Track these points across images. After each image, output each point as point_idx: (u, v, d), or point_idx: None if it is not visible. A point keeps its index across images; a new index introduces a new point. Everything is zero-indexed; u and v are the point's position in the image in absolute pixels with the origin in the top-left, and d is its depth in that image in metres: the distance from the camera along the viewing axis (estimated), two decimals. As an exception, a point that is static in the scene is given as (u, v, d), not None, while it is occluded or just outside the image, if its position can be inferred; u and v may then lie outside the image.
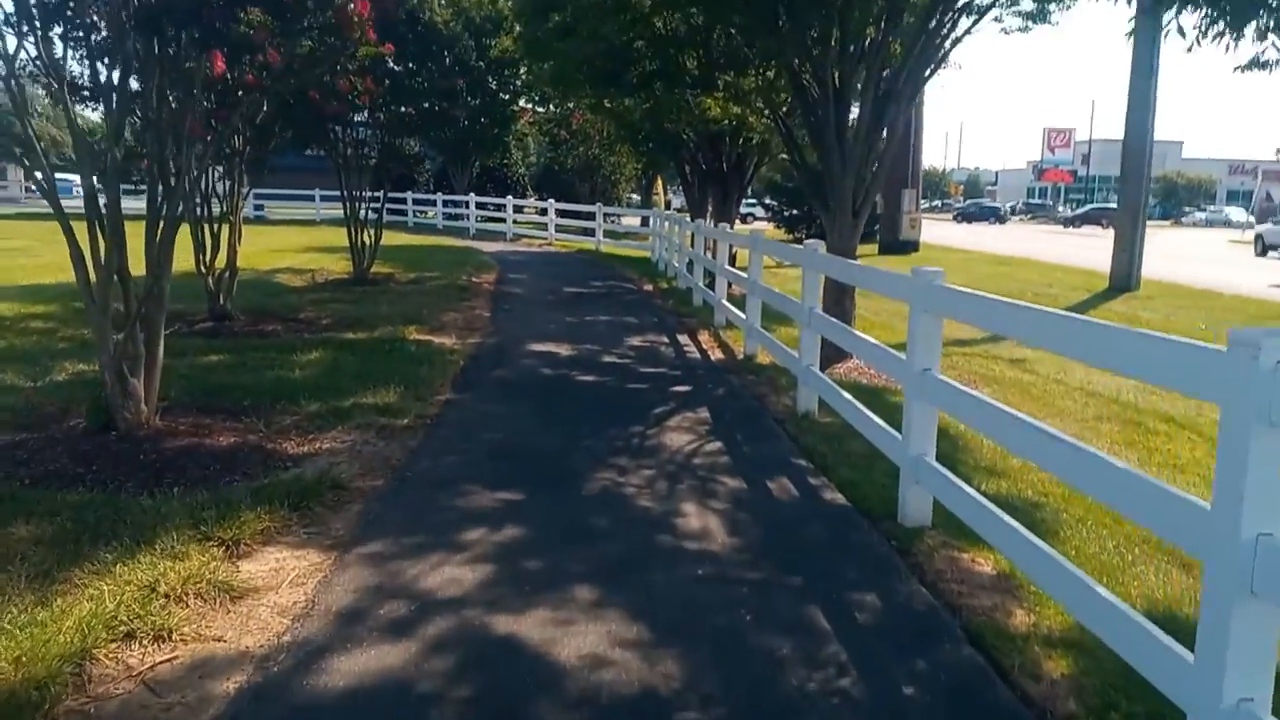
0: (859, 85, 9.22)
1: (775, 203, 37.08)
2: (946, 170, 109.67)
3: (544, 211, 29.99)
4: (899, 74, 9.00)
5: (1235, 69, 5.41)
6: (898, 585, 4.18)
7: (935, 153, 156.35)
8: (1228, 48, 5.49)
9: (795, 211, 35.88)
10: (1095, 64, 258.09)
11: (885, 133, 9.06)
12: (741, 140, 14.63)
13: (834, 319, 7.12)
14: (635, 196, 44.09)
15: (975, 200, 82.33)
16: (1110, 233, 52.47)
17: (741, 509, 5.05)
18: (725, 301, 11.66)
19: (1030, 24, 10.41)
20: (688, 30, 12.58)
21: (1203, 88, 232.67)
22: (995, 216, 69.64)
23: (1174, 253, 33.09)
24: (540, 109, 33.79)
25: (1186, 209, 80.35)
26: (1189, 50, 5.66)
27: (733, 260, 14.32)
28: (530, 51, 16.38)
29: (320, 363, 8.17)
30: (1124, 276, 18.21)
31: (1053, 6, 10.13)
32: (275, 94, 9.67)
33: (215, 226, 10.17)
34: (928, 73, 9.20)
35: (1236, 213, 72.22)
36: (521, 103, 34.24)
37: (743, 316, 10.05)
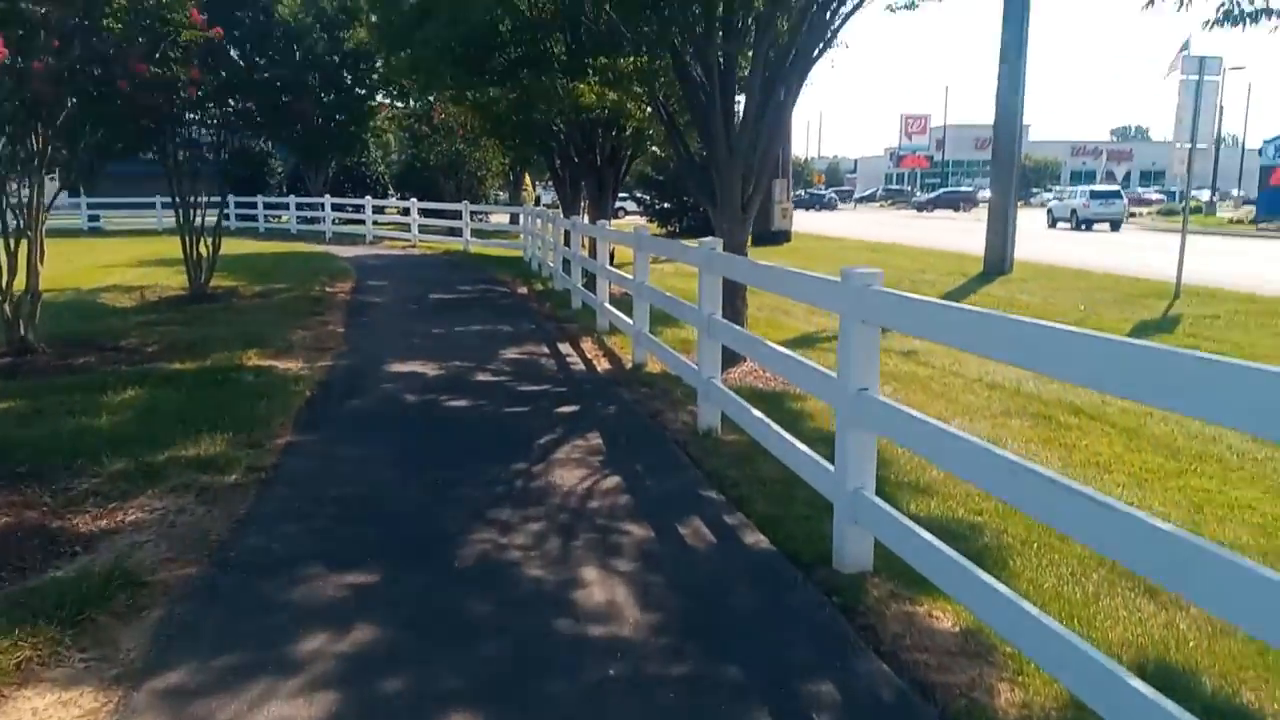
0: (747, 67, 8.48)
1: (647, 196, 36.48)
2: (809, 159, 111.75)
3: (406, 211, 28.49)
4: (787, 53, 8.30)
5: (1204, 23, 4.88)
6: (855, 663, 3.40)
7: (798, 142, 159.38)
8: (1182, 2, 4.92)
9: (668, 204, 35.35)
10: (950, 49, 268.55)
11: (773, 118, 8.34)
12: (616, 130, 13.76)
13: (735, 326, 6.34)
14: (503, 194, 42.71)
15: (811, 189, 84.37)
16: (965, 215, 55.26)
17: (653, 569, 4.18)
18: (608, 305, 10.79)
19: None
20: (556, 10, 11.64)
21: (1043, 71, 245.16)
22: (821, 204, 72.49)
23: (1032, 232, 34.05)
24: (399, 104, 32.16)
25: (1034, 190, 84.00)
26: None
27: (613, 258, 13.49)
28: (385, 40, 15.16)
29: (136, 403, 6.87)
30: (998, 260, 18.21)
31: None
32: (77, 84, 8.31)
33: (13, 243, 8.68)
34: (816, 51, 8.54)
35: (1080, 192, 76.11)
36: (379, 97, 32.51)
37: (629, 321, 9.21)
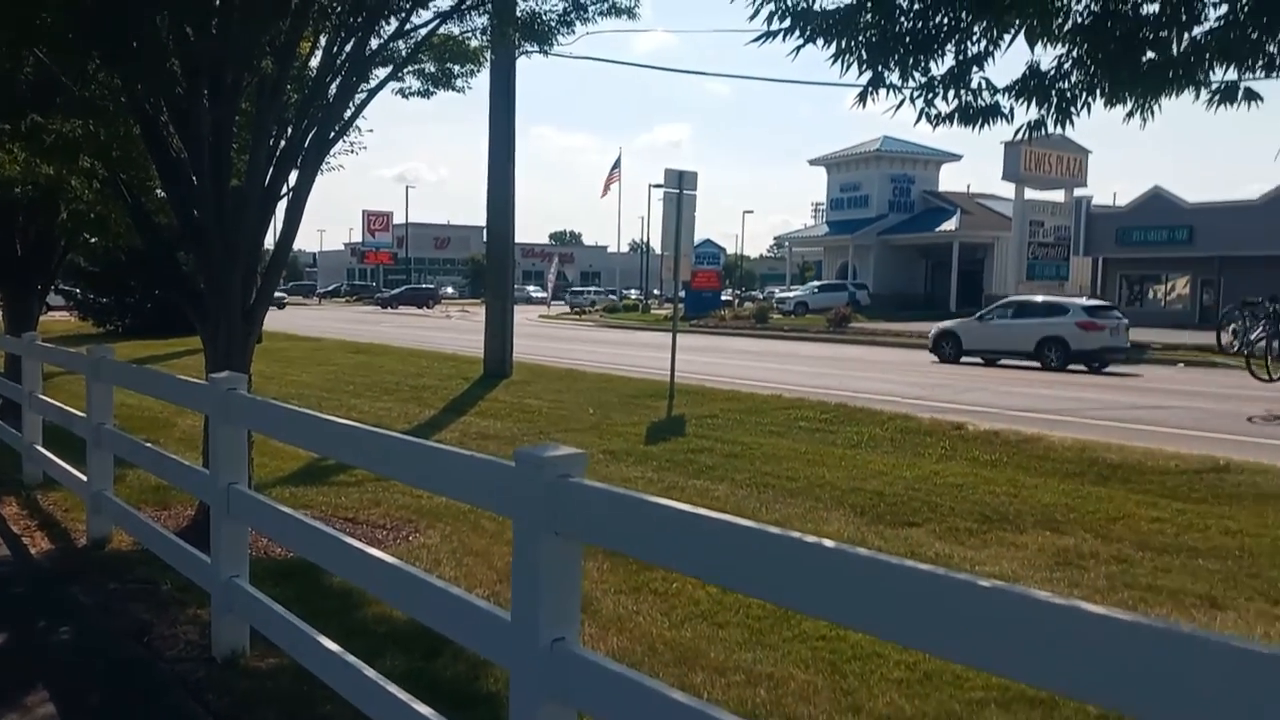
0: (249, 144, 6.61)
1: (78, 290, 30.83)
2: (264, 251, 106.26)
3: None
4: (300, 128, 6.64)
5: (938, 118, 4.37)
6: None
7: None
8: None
9: (105, 300, 30.21)
10: (409, 145, 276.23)
11: (291, 208, 6.60)
12: (45, 213, 10.54)
13: (270, 503, 4.47)
14: None
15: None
16: (433, 312, 56.38)
17: None
18: (43, 448, 7.87)
19: (433, 88, 8.90)
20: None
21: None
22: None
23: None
24: None
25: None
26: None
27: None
28: None
29: None
30: (499, 362, 17.79)
31: (456, 69, 8.75)
32: None
33: None
34: (334, 132, 7.00)
35: (535, 290, 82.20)
36: None
37: (79, 477, 6.62)
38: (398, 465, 3.26)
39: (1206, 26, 3.64)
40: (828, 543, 1.68)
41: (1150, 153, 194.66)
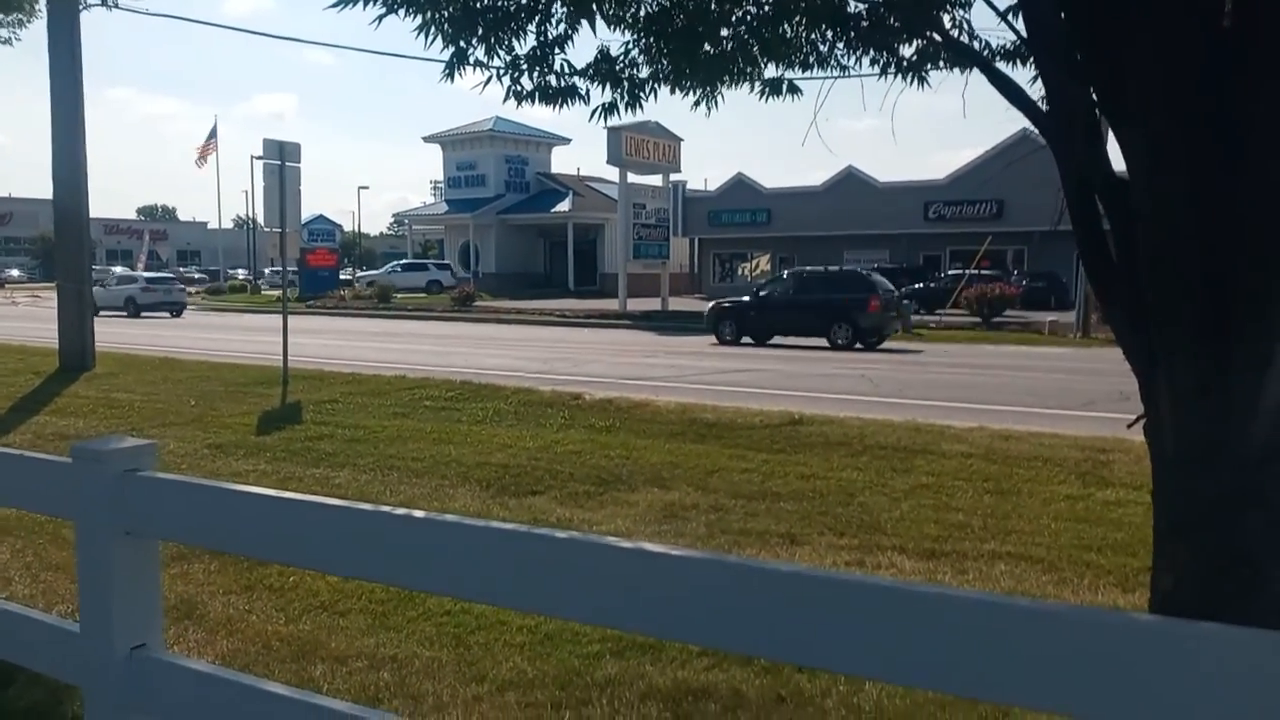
0: None
1: None
2: None
3: None
4: None
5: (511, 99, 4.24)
6: None
7: None
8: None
9: None
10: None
11: None
12: None
13: None
14: None
15: None
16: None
17: None
18: None
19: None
20: None
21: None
22: None
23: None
24: None
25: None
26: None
27: None
28: None
29: None
30: (78, 354, 15.74)
31: (1, 17, 7.56)
32: None
33: None
34: None
35: (123, 271, 73.65)
36: None
37: None
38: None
39: (746, 24, 4.08)
40: (418, 513, 1.68)
41: (740, 139, 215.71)
